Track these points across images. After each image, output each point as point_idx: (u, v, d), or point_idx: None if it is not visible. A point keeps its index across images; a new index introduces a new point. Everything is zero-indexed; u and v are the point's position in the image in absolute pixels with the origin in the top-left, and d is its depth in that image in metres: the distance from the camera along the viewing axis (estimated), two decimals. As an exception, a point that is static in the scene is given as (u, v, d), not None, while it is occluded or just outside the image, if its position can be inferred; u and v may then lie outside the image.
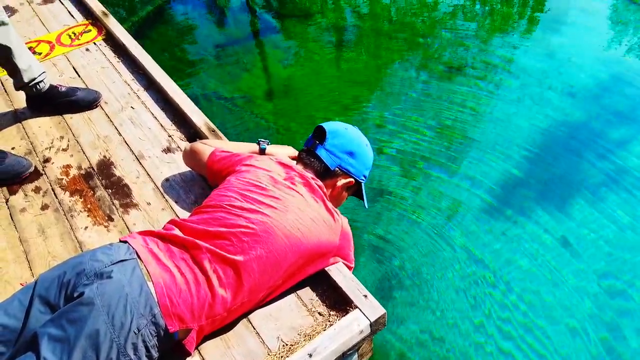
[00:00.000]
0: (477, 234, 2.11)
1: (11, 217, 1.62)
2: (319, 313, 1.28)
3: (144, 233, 1.22)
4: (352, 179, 1.40)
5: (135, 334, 1.02)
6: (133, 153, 1.83)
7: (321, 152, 1.37)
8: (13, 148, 1.89)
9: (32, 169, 1.77)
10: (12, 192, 1.71)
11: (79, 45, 2.42)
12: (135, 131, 1.92)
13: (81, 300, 1.01)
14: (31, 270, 1.46)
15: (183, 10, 4.01)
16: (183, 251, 1.15)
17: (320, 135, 1.41)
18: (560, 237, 2.07)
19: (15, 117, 2.04)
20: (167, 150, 1.83)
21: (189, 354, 1.15)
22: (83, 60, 2.33)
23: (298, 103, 2.92)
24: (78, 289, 1.04)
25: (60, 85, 2.00)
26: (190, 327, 1.11)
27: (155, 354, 1.07)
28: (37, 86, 1.92)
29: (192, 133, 1.88)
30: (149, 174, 1.74)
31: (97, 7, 2.62)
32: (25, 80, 1.88)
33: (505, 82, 2.90)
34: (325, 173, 1.37)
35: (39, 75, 1.91)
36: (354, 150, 1.39)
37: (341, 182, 1.39)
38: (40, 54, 2.37)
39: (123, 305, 1.02)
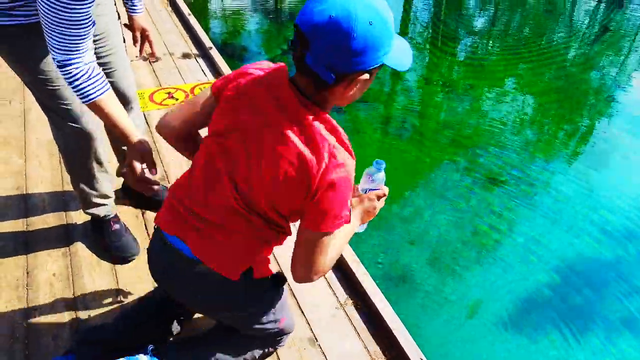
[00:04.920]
0: (489, 341, 2.28)
1: (145, 227, 2.08)
2: (379, 362, 1.63)
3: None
4: (366, 75, 0.97)
5: None
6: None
7: (309, 62, 0.94)
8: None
9: (139, 254, 1.90)
10: (149, 207, 2.17)
11: (208, 99, 3.00)
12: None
13: None
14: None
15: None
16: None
17: (302, 39, 0.93)
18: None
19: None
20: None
21: None
22: (210, 112, 2.88)
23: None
24: None
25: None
26: None
27: None
28: None
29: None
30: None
31: (227, 71, 3.24)
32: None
33: (543, 204, 3.14)
34: (323, 85, 0.97)
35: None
36: (360, 46, 0.90)
37: (353, 85, 0.98)
38: (177, 99, 2.96)
39: None
